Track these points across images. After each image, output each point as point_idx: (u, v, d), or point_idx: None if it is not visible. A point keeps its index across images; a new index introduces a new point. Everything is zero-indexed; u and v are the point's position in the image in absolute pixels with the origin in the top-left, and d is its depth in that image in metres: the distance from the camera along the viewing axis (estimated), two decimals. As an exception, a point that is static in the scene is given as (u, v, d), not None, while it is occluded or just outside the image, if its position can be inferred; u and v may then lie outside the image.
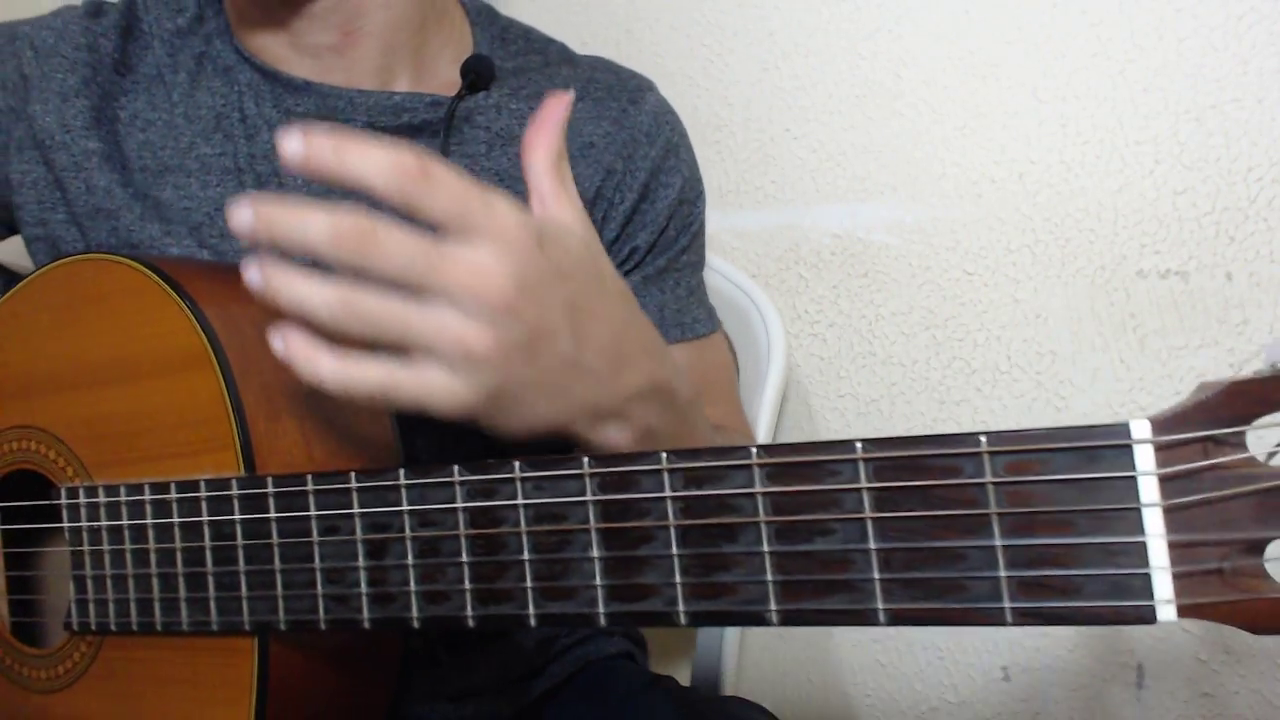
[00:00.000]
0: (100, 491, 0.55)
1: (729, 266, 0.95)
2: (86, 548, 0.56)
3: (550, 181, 0.50)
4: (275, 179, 0.67)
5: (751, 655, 1.06)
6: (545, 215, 0.49)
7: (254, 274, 0.44)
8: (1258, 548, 0.33)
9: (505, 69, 0.73)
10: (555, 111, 0.50)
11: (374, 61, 0.68)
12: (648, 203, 0.72)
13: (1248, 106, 0.84)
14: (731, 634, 0.83)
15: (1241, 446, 0.33)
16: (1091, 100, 0.89)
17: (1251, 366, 0.85)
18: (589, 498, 0.42)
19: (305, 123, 0.45)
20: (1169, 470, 0.33)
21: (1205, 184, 0.85)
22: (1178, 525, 0.34)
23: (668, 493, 0.41)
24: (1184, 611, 0.34)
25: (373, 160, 0.42)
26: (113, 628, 0.55)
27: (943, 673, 0.97)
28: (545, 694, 0.72)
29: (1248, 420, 0.33)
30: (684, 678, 0.84)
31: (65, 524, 0.57)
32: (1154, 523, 0.34)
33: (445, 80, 0.71)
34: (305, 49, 0.68)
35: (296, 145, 0.42)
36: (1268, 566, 0.34)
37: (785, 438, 1.03)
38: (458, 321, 0.43)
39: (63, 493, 0.57)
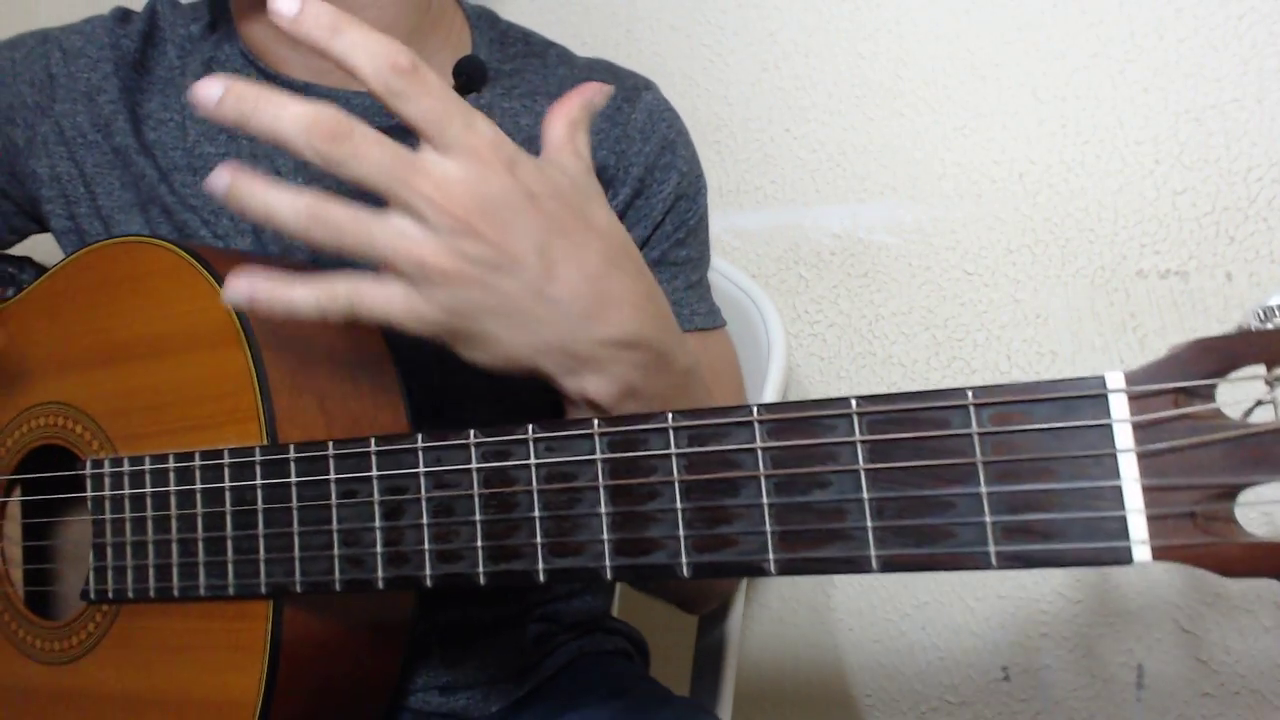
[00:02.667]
0: (125, 462, 0.56)
1: (729, 266, 0.94)
2: (108, 516, 0.57)
3: (558, 136, 0.51)
4: (277, 178, 0.68)
5: (752, 655, 1.06)
6: (542, 156, 0.50)
7: (220, 179, 0.44)
8: (1229, 494, 0.35)
9: (501, 70, 0.73)
10: (588, 90, 0.53)
11: None
12: (642, 198, 0.72)
13: (1248, 106, 0.84)
14: (732, 634, 0.83)
15: (1210, 399, 0.35)
16: (1091, 100, 0.89)
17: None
18: (598, 456, 0.44)
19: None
20: (1142, 418, 0.35)
21: (1205, 184, 0.86)
22: (1151, 471, 0.35)
23: (673, 449, 0.42)
24: (1158, 553, 0.35)
25: (366, 45, 0.43)
26: (130, 595, 0.56)
27: (943, 673, 0.98)
28: (535, 688, 0.72)
29: (1217, 375, 0.35)
30: (684, 677, 0.84)
31: (89, 494, 0.58)
32: (1129, 467, 0.35)
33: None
34: (302, 48, 0.68)
35: (290, 6, 0.43)
36: (1238, 513, 0.35)
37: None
38: (417, 234, 0.45)
39: (88, 464, 0.58)
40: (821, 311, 1.01)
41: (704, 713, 0.70)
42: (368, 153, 0.43)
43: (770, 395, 0.87)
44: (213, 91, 0.43)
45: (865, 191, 0.98)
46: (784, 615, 1.05)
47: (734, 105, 1.03)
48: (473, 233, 0.45)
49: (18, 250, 0.75)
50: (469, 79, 0.70)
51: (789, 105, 1.00)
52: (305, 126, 0.43)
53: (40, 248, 0.76)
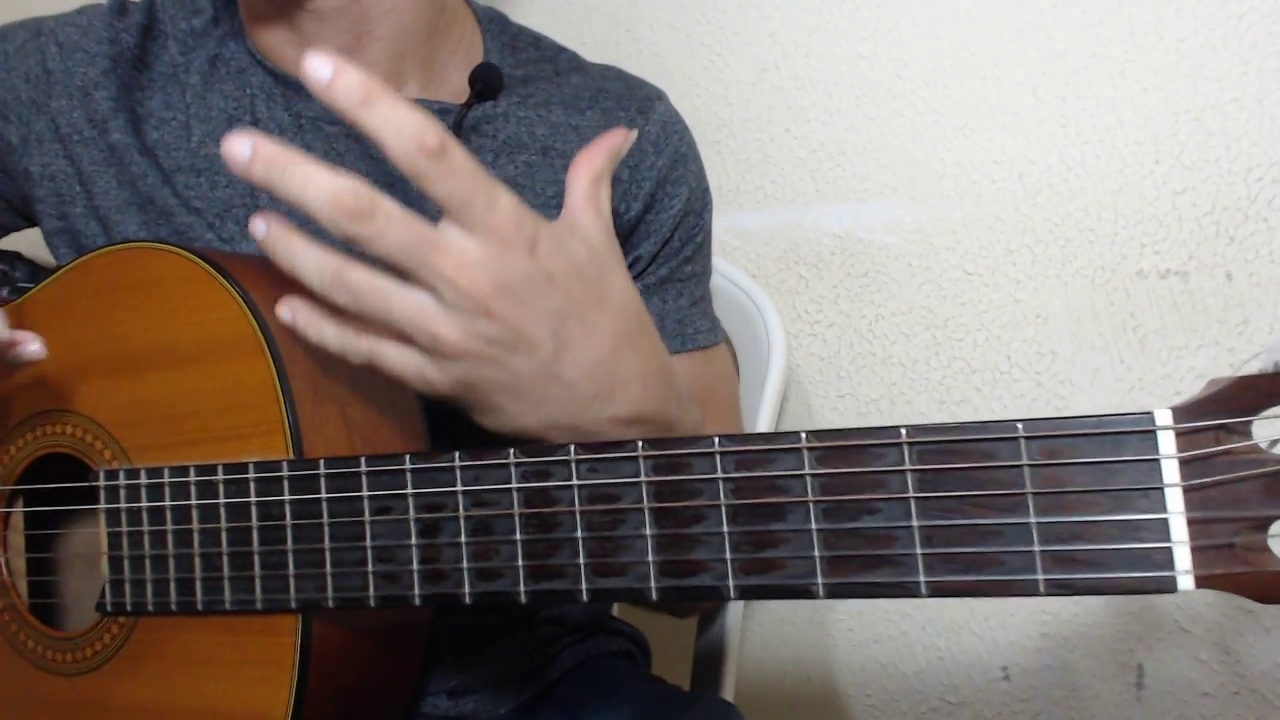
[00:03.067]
0: (142, 474, 0.55)
1: (729, 266, 0.95)
2: (125, 529, 0.56)
3: (580, 193, 0.50)
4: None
5: (752, 655, 1.06)
6: (562, 220, 0.50)
7: (259, 225, 0.45)
8: (1263, 525, 0.37)
9: (514, 77, 0.73)
10: (613, 139, 0.52)
11: (384, 67, 0.68)
12: (653, 213, 0.72)
13: (1248, 106, 0.84)
14: (732, 634, 0.83)
15: (1248, 435, 0.37)
16: (1091, 100, 0.89)
17: (1248, 367, 0.85)
18: (643, 479, 0.44)
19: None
20: (1188, 454, 0.37)
21: (1205, 184, 0.86)
22: (1195, 504, 0.37)
23: (719, 474, 0.43)
24: (1200, 582, 0.37)
25: (396, 121, 0.42)
26: (150, 608, 0.55)
27: (943, 673, 0.98)
28: (542, 690, 0.72)
29: (1254, 412, 0.37)
30: (684, 678, 0.84)
31: (103, 505, 0.57)
32: (1175, 501, 0.37)
33: (454, 88, 0.71)
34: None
35: (324, 71, 0.41)
36: (1271, 542, 0.37)
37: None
38: (432, 310, 0.45)
39: (101, 475, 0.57)
40: (821, 311, 1.01)
41: (732, 709, 0.70)
42: (389, 231, 0.43)
43: (770, 395, 0.87)
44: (243, 151, 0.43)
45: (865, 191, 0.98)
46: (784, 615, 1.05)
47: (734, 105, 1.03)
48: (489, 314, 0.45)
49: (5, 245, 0.74)
50: (486, 86, 0.69)
51: (789, 105, 1.00)
52: (329, 200, 0.42)
53: (26, 240, 0.76)
